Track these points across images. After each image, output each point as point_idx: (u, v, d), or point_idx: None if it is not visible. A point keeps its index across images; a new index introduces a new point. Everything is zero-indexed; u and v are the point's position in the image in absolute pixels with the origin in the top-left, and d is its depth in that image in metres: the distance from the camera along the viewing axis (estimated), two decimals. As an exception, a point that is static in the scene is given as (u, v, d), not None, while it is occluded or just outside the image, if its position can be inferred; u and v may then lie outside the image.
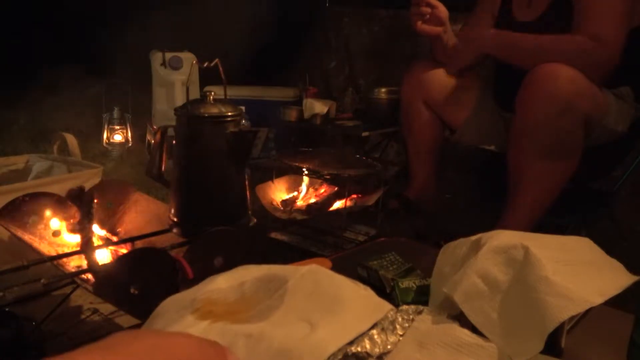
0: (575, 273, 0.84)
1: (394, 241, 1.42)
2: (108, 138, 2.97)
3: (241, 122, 1.25)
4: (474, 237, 0.94)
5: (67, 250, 1.28)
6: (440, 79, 1.93)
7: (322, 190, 2.01)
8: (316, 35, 3.51)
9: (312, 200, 1.97)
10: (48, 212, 1.37)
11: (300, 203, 1.95)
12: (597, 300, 0.79)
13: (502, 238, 0.90)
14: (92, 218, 1.37)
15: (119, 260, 1.11)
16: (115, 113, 2.99)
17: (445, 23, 1.80)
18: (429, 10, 1.76)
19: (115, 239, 1.37)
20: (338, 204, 1.92)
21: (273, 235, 1.84)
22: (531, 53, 1.56)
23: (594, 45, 1.48)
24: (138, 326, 1.09)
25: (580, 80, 1.48)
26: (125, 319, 1.21)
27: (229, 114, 1.22)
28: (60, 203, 1.39)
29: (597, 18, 1.50)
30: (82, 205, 1.38)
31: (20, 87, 3.80)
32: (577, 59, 1.50)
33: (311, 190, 2.01)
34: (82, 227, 1.36)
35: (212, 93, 1.24)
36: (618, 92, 1.62)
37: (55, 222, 1.38)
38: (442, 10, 1.78)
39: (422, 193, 2.05)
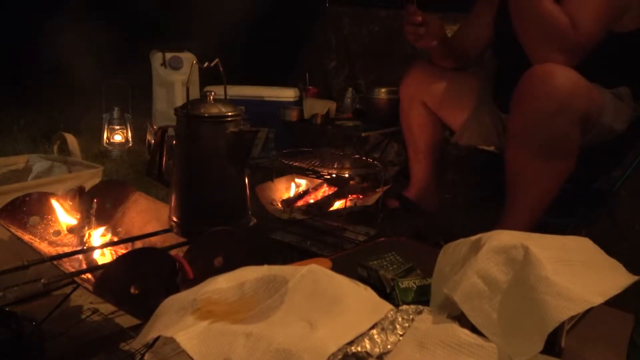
0: (575, 273, 0.84)
1: (394, 241, 1.42)
2: (108, 138, 2.97)
3: (241, 122, 1.25)
4: (474, 237, 0.94)
5: (67, 250, 1.28)
6: (439, 79, 1.93)
7: (322, 190, 2.01)
8: (316, 35, 3.51)
9: (312, 200, 1.97)
10: (48, 212, 1.37)
11: (300, 203, 1.95)
12: (597, 300, 0.79)
13: (502, 238, 0.90)
14: (92, 218, 1.37)
15: (119, 260, 1.11)
16: (115, 113, 2.99)
17: (440, 35, 1.79)
18: (423, 30, 1.74)
19: (115, 239, 1.37)
20: (338, 204, 1.92)
21: (273, 235, 1.84)
22: (531, 8, 1.52)
23: (570, 30, 1.48)
24: (138, 326, 1.09)
25: (576, 79, 1.48)
26: (125, 319, 1.21)
27: (229, 114, 1.22)
28: (60, 203, 1.39)
29: (578, 3, 1.50)
30: (82, 205, 1.38)
31: (20, 87, 3.81)
32: (552, 35, 1.49)
33: (311, 190, 2.01)
34: (82, 227, 1.36)
35: (212, 93, 1.24)
36: (616, 92, 1.62)
37: (55, 222, 1.38)
38: (437, 26, 1.76)
39: (422, 193, 2.05)
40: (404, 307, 0.88)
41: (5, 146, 2.85)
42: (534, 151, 1.52)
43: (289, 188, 2.00)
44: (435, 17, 1.77)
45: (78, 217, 1.38)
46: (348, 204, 1.86)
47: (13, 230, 1.29)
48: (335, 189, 1.97)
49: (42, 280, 1.04)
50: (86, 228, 1.37)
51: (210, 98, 1.23)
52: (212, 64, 1.24)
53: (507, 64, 1.84)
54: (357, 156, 2.02)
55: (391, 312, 0.86)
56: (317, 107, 2.64)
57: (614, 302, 0.84)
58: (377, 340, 0.80)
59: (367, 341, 0.79)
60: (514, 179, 1.59)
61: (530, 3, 1.51)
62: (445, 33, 1.86)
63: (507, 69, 1.82)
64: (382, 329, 0.82)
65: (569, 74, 1.48)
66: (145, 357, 0.90)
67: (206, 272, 1.04)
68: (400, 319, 0.85)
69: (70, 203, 1.39)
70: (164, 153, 1.34)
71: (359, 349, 0.77)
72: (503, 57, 1.89)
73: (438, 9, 1.78)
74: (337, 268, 0.95)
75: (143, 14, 3.56)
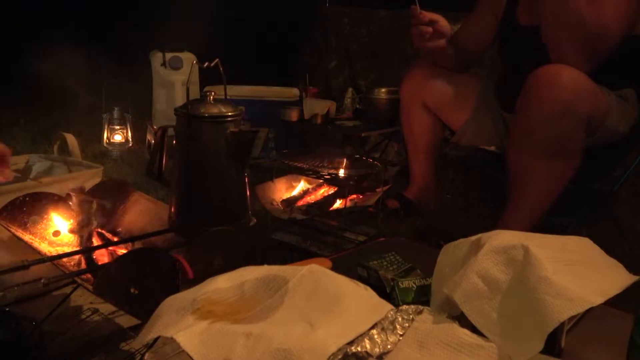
0: (576, 273, 0.84)
1: (394, 241, 1.42)
2: (108, 138, 2.97)
3: (241, 122, 1.25)
4: (474, 237, 0.94)
5: (67, 250, 1.28)
6: (440, 80, 1.93)
7: (322, 190, 2.01)
8: (316, 35, 3.51)
9: (312, 200, 1.97)
10: (48, 212, 1.37)
11: (300, 203, 1.95)
12: (597, 300, 0.79)
13: (502, 238, 0.90)
14: (92, 218, 1.37)
15: (119, 260, 1.11)
16: (115, 113, 2.99)
17: (447, 34, 1.78)
18: (430, 30, 1.72)
19: (115, 239, 1.37)
20: (338, 204, 1.92)
21: (273, 235, 1.84)
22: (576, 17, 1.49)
23: (600, 32, 1.48)
24: (138, 326, 1.09)
25: (582, 81, 1.48)
26: (125, 319, 1.21)
27: (229, 114, 1.22)
28: (60, 203, 1.39)
29: (607, 12, 1.49)
30: (82, 205, 1.38)
31: (20, 87, 3.81)
32: (590, 45, 1.49)
33: (311, 190, 2.01)
34: (82, 227, 1.36)
35: (212, 93, 1.24)
36: (622, 94, 1.63)
37: (55, 222, 1.38)
38: (444, 25, 1.75)
39: (422, 193, 2.04)
40: (404, 307, 0.88)
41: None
42: (538, 152, 1.52)
43: (289, 188, 2.00)
44: (441, 16, 1.76)
45: (78, 217, 1.38)
46: (348, 204, 1.86)
47: (13, 230, 1.29)
48: (335, 189, 1.97)
49: (42, 280, 1.04)
50: (86, 228, 1.37)
51: (210, 98, 1.23)
52: (212, 64, 1.24)
53: (512, 64, 1.84)
54: (357, 156, 2.02)
55: (391, 312, 0.86)
56: (317, 107, 2.64)
57: (614, 302, 0.83)
58: (377, 340, 0.80)
59: (367, 341, 0.79)
60: (516, 179, 1.59)
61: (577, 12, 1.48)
62: (451, 32, 1.86)
63: (512, 69, 1.82)
64: (382, 329, 0.82)
65: (575, 76, 1.48)
66: (145, 357, 0.90)
67: (206, 272, 1.04)
68: (400, 319, 0.85)
69: (70, 203, 1.39)
70: (164, 153, 1.34)
71: (359, 349, 0.78)
72: (507, 57, 1.89)
73: (439, 8, 1.77)
74: (337, 268, 0.96)
75: (143, 14, 3.56)
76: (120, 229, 1.44)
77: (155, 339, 0.87)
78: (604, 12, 1.48)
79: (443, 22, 1.74)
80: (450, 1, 2.07)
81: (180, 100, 3.00)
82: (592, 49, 1.50)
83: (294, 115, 2.68)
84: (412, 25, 1.74)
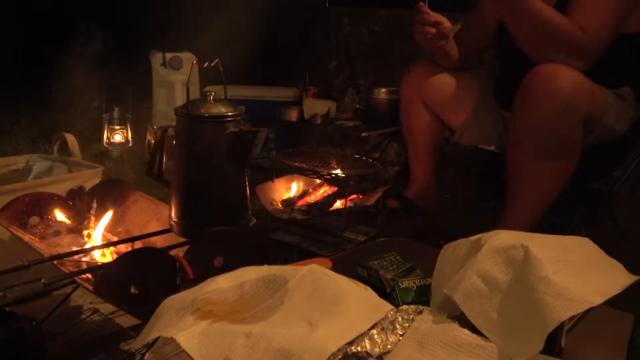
0: (576, 273, 0.84)
1: (394, 241, 1.42)
2: (108, 138, 2.97)
3: (241, 122, 1.25)
4: (474, 237, 0.94)
5: (67, 250, 1.28)
6: (439, 79, 1.93)
7: (322, 190, 2.01)
8: (316, 35, 3.51)
9: (312, 200, 1.97)
10: (48, 212, 1.37)
11: (300, 203, 1.95)
12: (597, 300, 0.79)
13: (502, 238, 0.90)
14: (92, 218, 1.37)
15: (119, 260, 1.11)
16: (115, 113, 2.99)
17: (448, 35, 1.79)
18: (433, 30, 1.72)
19: (115, 239, 1.37)
20: (338, 204, 1.92)
21: (273, 235, 1.84)
22: (533, 17, 1.53)
23: (581, 37, 1.49)
24: (138, 326, 1.09)
25: (580, 80, 1.48)
26: (125, 319, 1.21)
27: (229, 114, 1.22)
28: (60, 203, 1.39)
29: (587, 10, 1.51)
30: (82, 205, 1.38)
31: (20, 87, 3.81)
32: (565, 44, 1.51)
33: (311, 190, 2.01)
34: (82, 227, 1.36)
35: (212, 93, 1.24)
36: (619, 93, 1.63)
37: (55, 222, 1.38)
38: (447, 26, 1.75)
39: (422, 193, 2.05)
40: (404, 307, 0.88)
41: (5, 146, 2.85)
42: (536, 151, 1.52)
43: (289, 188, 2.00)
44: (445, 17, 1.76)
45: (78, 217, 1.38)
46: (348, 204, 1.86)
47: (13, 230, 1.29)
48: (335, 189, 1.97)
49: (42, 280, 1.04)
50: (86, 228, 1.37)
51: (210, 98, 1.23)
52: (212, 64, 1.24)
53: (511, 62, 1.84)
54: (357, 156, 2.02)
55: (391, 312, 0.86)
56: (317, 107, 2.64)
57: (614, 302, 0.84)
58: (377, 340, 0.80)
59: (367, 341, 0.79)
60: (515, 179, 1.59)
61: (538, 20, 1.52)
62: (452, 32, 1.86)
63: (510, 68, 1.82)
64: (382, 329, 0.82)
65: (572, 75, 1.48)
66: (145, 357, 0.90)
67: (206, 272, 1.04)
68: (400, 319, 0.85)
69: (70, 203, 1.39)
70: (164, 153, 1.34)
71: (359, 349, 0.78)
72: (506, 56, 1.89)
73: (439, 8, 1.77)
74: (337, 268, 0.96)
75: (143, 14, 3.56)
76: (120, 229, 1.44)
77: (155, 339, 0.88)
78: (580, 14, 1.50)
79: (447, 24, 1.74)
80: (451, 1, 2.06)
81: (180, 100, 3.00)
82: (578, 53, 1.51)
83: (294, 115, 2.68)
84: (417, 22, 1.73)
